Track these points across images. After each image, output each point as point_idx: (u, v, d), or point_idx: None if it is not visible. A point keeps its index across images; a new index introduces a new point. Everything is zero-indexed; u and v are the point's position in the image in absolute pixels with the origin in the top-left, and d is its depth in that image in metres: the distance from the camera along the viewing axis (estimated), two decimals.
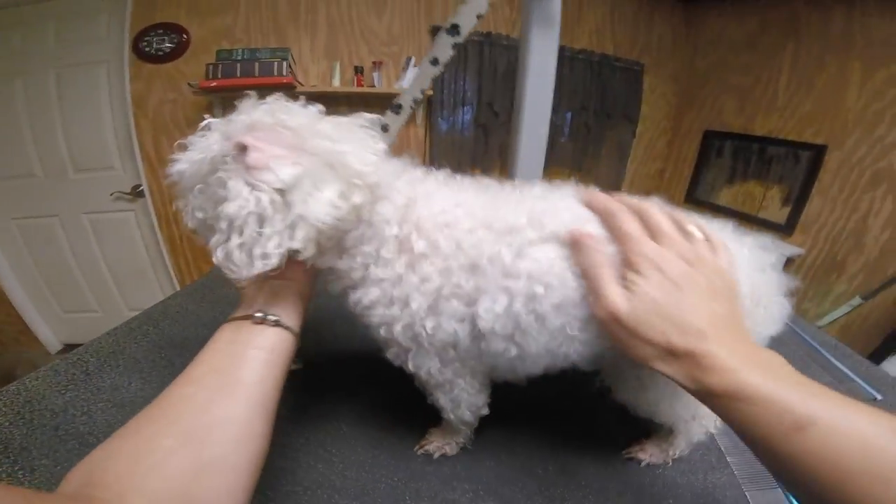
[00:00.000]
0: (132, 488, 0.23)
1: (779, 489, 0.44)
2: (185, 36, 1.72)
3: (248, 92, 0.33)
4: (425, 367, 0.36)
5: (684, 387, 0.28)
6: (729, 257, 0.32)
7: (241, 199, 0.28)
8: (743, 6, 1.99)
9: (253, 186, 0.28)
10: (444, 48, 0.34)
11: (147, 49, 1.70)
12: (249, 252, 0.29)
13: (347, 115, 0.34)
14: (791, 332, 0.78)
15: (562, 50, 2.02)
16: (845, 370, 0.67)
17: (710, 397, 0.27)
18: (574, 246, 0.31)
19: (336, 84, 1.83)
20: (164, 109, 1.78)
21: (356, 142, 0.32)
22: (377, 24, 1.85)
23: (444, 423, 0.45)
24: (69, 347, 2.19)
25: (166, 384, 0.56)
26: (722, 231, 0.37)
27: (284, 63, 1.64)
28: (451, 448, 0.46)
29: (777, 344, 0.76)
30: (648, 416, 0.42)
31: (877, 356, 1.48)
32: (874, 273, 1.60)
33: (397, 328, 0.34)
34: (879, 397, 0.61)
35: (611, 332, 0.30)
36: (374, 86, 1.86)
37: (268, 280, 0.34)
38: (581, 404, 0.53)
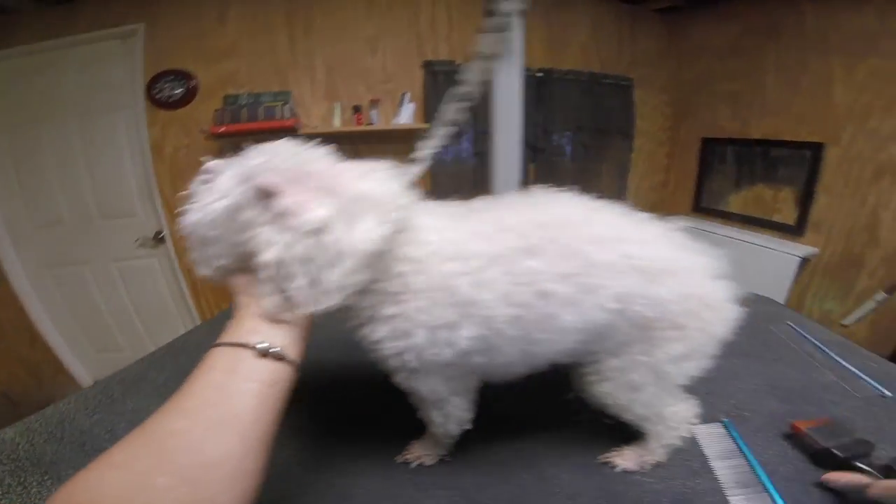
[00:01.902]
0: None
1: (766, 494, 0.42)
2: (193, 82, 1.82)
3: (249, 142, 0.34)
4: (428, 386, 0.39)
5: None
6: None
7: (280, 246, 0.29)
8: (721, 13, 2.03)
9: (289, 231, 0.29)
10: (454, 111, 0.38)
11: (159, 95, 1.80)
12: (309, 294, 0.29)
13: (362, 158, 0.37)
14: (794, 332, 0.77)
15: (550, 72, 2.11)
16: (851, 368, 0.66)
17: None
18: None
19: (337, 124, 1.92)
20: (179, 155, 1.88)
21: (380, 178, 0.35)
22: (371, 63, 1.94)
23: (427, 436, 0.47)
24: None
25: None
26: (681, 240, 0.40)
27: (286, 106, 1.74)
28: (429, 459, 0.47)
29: (780, 345, 0.75)
30: (617, 413, 0.43)
31: None
32: (894, 266, 1.54)
33: (408, 356, 0.36)
34: (889, 394, 0.59)
35: None
36: (372, 123, 1.93)
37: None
38: (561, 415, 0.54)
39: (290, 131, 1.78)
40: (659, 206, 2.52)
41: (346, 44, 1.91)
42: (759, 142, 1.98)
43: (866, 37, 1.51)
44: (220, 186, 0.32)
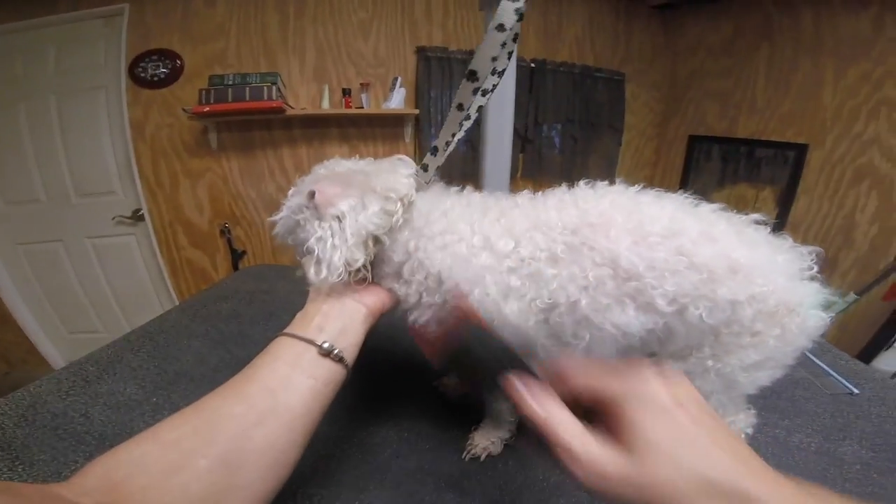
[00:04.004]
0: None
1: None
2: (178, 62, 1.78)
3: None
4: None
5: None
6: None
7: (317, 232, 0.36)
8: (717, 12, 2.05)
9: (321, 219, 0.36)
10: (466, 94, 0.36)
11: (143, 75, 1.75)
12: (324, 266, 0.35)
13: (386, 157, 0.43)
14: None
15: (543, 63, 2.09)
16: (822, 366, 0.68)
17: None
18: None
19: (325, 106, 1.88)
20: (161, 134, 1.83)
21: (389, 170, 0.40)
22: (364, 47, 1.91)
23: (486, 423, 0.48)
24: None
25: (160, 388, 0.56)
26: (757, 233, 0.36)
27: (274, 87, 1.69)
28: (495, 447, 0.47)
29: None
30: None
31: (869, 351, 1.47)
32: (866, 268, 1.60)
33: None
34: (856, 391, 0.61)
35: None
36: (362, 107, 1.90)
37: (343, 298, 0.36)
38: None
39: (275, 112, 1.73)
40: None
41: (338, 27, 1.87)
42: (744, 141, 2.02)
43: (860, 41, 1.53)
44: (292, 198, 0.41)
